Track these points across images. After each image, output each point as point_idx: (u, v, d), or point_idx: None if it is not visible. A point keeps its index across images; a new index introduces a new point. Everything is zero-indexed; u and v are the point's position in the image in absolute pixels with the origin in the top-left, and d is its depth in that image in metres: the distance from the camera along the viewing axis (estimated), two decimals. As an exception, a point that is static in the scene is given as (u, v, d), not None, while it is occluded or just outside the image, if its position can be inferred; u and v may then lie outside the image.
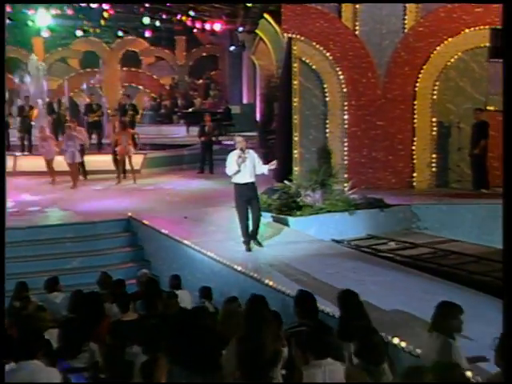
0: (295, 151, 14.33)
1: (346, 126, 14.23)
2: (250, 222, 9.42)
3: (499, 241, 11.87)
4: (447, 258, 10.26)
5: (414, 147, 14.31)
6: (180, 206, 12.97)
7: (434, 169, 14.37)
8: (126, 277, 9.60)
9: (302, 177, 13.74)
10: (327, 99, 14.23)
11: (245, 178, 9.18)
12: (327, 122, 14.28)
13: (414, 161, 14.34)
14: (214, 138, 18.39)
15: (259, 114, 24.15)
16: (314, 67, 14.20)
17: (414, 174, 14.37)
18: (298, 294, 5.52)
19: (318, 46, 14.12)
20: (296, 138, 14.30)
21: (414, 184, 14.33)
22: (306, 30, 14.08)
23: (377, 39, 14.25)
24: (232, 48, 23.18)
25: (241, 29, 21.43)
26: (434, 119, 14.30)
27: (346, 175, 13.82)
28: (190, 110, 23.81)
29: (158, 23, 24.24)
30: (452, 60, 14.24)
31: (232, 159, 9.13)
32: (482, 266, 9.63)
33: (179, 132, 23.15)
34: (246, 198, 9.27)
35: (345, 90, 14.17)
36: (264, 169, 9.52)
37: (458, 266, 9.56)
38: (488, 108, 14.14)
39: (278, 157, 14.89)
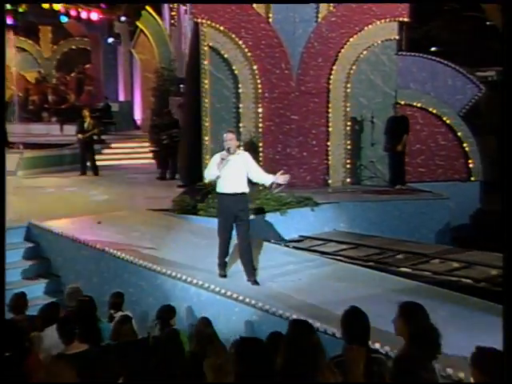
0: (205, 148, 13.01)
1: (260, 120, 13.12)
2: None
3: (428, 237, 11.96)
4: (398, 258, 9.50)
5: (328, 143, 13.52)
6: (81, 211, 11.12)
7: (348, 165, 13.69)
8: (31, 296, 7.80)
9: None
10: (240, 91, 13.05)
11: (230, 186, 7.08)
12: (240, 115, 13.09)
13: (329, 157, 13.56)
14: (95, 137, 16.49)
15: (141, 112, 22.42)
16: (225, 56, 12.96)
17: (329, 172, 13.58)
18: (349, 313, 4.25)
19: (229, 33, 12.91)
20: (206, 134, 12.99)
21: (330, 182, 13.55)
22: (216, 16, 12.81)
23: (290, 28, 13.29)
24: (110, 40, 21.23)
25: (123, 18, 19.59)
26: (347, 114, 13.60)
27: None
28: (64, 106, 21.49)
29: (21, 9, 21.57)
30: (364, 52, 13.65)
31: (213, 160, 7.22)
32: (444, 266, 8.96)
33: (51, 130, 20.78)
34: (231, 214, 7.09)
35: (258, 81, 13.08)
36: (268, 179, 7.33)
37: (421, 268, 8.82)
38: (403, 102, 13.74)
39: (183, 154, 13.59)
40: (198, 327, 5.79)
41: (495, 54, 18.78)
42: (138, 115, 23.08)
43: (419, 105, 14.11)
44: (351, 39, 13.51)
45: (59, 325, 5.77)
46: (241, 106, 13.07)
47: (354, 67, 13.56)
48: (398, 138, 13.19)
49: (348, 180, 13.67)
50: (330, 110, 13.47)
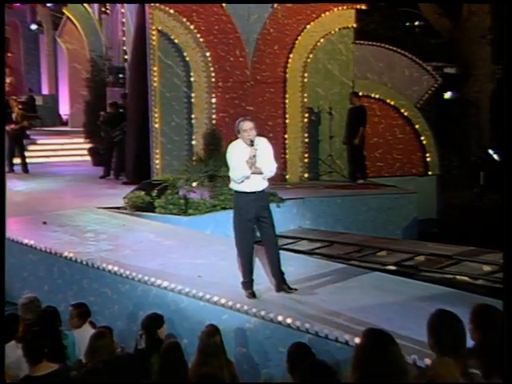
0: (155, 141, 12.14)
1: (213, 111, 12.35)
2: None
3: (395, 233, 11.58)
4: (381, 256, 9.01)
5: (286, 136, 12.92)
6: (19, 211, 10.01)
7: (306, 160, 13.14)
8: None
9: (166, 170, 11.77)
10: (192, 79, 12.23)
11: (254, 183, 5.91)
12: (192, 106, 12.27)
13: (286, 151, 12.96)
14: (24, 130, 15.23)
15: (69, 107, 21.13)
16: (175, 41, 12.12)
17: (287, 166, 12.98)
18: (439, 318, 3.45)
19: (180, 17, 12.07)
20: (156, 125, 12.11)
21: (287, 177, 12.95)
22: (166, -3, 11.98)
23: (244, 13, 12.58)
24: (33, 27, 19.85)
25: (49, 4, 18.31)
26: (304, 105, 13.05)
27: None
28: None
29: None
30: (321, 40, 13.14)
31: (238, 158, 5.85)
32: (432, 262, 8.51)
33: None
34: (254, 215, 5.97)
35: (211, 69, 12.30)
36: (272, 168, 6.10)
37: (409, 265, 8.33)
38: (361, 93, 13.30)
39: (130, 148, 12.68)
40: (202, 336, 5.01)
41: (431, 50, 18.86)
42: (64, 110, 21.76)
43: (377, 96, 13.75)
44: (308, 26, 12.97)
45: (27, 342, 4.84)
46: (193, 95, 12.25)
47: (310, 56, 13.03)
48: (355, 131, 12.78)
49: (306, 175, 13.12)
50: (286, 101, 12.88)
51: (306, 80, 12.95)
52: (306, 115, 13.01)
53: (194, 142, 12.24)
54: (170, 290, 6.57)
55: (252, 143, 5.90)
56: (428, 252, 8.85)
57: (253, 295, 6.15)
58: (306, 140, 13.04)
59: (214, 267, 7.32)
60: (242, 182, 5.93)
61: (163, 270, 7.06)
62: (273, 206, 10.35)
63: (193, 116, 12.25)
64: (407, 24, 22.87)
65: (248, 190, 5.95)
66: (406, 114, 13.97)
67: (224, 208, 9.75)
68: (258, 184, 6.02)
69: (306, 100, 12.96)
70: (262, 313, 5.87)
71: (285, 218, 10.76)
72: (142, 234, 8.58)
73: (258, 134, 6.17)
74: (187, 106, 12.26)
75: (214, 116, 12.37)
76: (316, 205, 11.20)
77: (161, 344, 5.29)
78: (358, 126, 12.62)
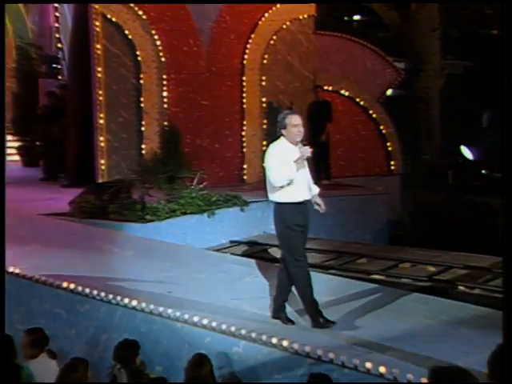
0: (100, 138, 11.37)
1: (165, 106, 11.69)
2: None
3: (365, 237, 11.24)
4: (362, 263, 8.62)
5: (243, 133, 12.40)
6: None
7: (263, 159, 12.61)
8: None
9: (115, 170, 11.06)
10: (141, 71, 11.53)
11: (302, 191, 5.24)
12: (141, 100, 11.54)
13: (244, 149, 12.44)
14: None
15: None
16: (122, 28, 11.39)
17: (244, 166, 12.46)
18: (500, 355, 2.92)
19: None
20: (101, 121, 11.35)
21: (245, 178, 12.43)
22: (110, -21, 11.24)
23: (198, -2, 11.98)
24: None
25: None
26: (263, 99, 12.55)
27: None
28: None
29: None
30: (280, 30, 12.68)
31: (283, 158, 5.14)
32: (419, 270, 8.14)
33: None
34: (303, 229, 5.28)
35: (162, 59, 11.63)
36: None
37: (395, 273, 7.94)
38: (324, 87, 12.93)
39: (71, 147, 11.88)
40: (188, 368, 4.41)
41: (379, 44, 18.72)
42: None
43: (338, 90, 13.41)
44: (266, 14, 12.48)
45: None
46: (142, 88, 11.55)
47: (269, 46, 12.54)
48: (320, 127, 12.36)
49: (261, 175, 12.58)
50: (244, 95, 12.36)
51: (264, 73, 12.43)
52: (265, 111, 12.48)
53: (144, 140, 11.53)
54: (139, 310, 5.90)
55: (301, 142, 5.20)
56: (413, 258, 8.50)
57: (290, 321, 5.45)
58: (265, 137, 12.47)
59: (185, 281, 6.71)
60: (285, 187, 5.13)
61: (128, 287, 6.38)
62: (236, 210, 10.04)
63: (143, 111, 11.52)
64: (354, 18, 22.77)
65: (296, 200, 5.18)
66: (368, 109, 13.69)
67: (185, 213, 9.15)
68: (306, 192, 5.28)
69: (264, 94, 12.47)
70: (253, 335, 5.29)
71: (249, 223, 10.30)
72: (96, 243, 7.86)
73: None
74: (136, 99, 11.54)
75: (166, 111, 11.70)
76: (282, 208, 10.66)
77: (141, 375, 4.67)
78: (323, 121, 12.22)
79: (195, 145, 11.96)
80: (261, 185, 11.77)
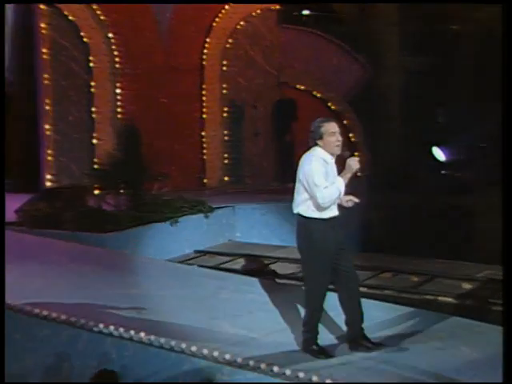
0: (47, 139, 10.83)
1: (119, 104, 11.20)
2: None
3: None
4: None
5: (203, 133, 12.02)
6: None
7: (226, 160, 12.28)
8: None
9: (65, 174, 10.54)
10: (92, 65, 11.04)
11: (334, 207, 4.88)
12: (93, 97, 11.04)
13: (204, 150, 12.06)
14: None
15: None
16: (70, 18, 10.86)
17: (205, 168, 12.09)
18: None
19: (76, -10, 10.87)
20: (49, 120, 10.81)
21: (205, 181, 12.06)
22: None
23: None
24: None
25: None
26: (224, 97, 12.21)
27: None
28: None
29: None
30: (242, 23, 12.34)
31: (326, 171, 4.73)
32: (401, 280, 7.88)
33: None
34: (334, 247, 4.86)
35: (115, 53, 11.15)
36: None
37: (377, 285, 7.65)
38: (288, 84, 12.64)
39: (13, 149, 11.25)
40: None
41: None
42: None
43: (303, 87, 13.13)
44: (227, 6, 12.13)
45: None
46: (93, 84, 11.09)
47: (230, 40, 12.20)
48: (285, 126, 12.12)
49: (226, 178, 12.28)
50: (204, 92, 12.00)
51: (225, 68, 12.15)
52: (227, 109, 12.21)
53: (94, 141, 11.02)
54: (107, 334, 5.41)
55: (348, 152, 4.77)
56: (394, 268, 8.22)
57: (322, 352, 4.84)
58: (227, 138, 12.25)
59: (154, 299, 6.24)
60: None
61: (92, 307, 5.88)
62: (200, 217, 9.63)
63: (93, 109, 11.17)
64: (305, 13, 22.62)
65: (326, 216, 4.76)
66: (333, 107, 13.46)
67: (148, 222, 8.69)
68: (336, 206, 4.88)
69: (226, 91, 12.18)
70: (239, 360, 4.86)
71: (213, 230, 9.96)
72: (52, 257, 7.33)
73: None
74: (88, 96, 11.03)
75: (119, 109, 11.25)
76: (248, 214, 10.34)
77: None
78: (288, 121, 11.95)
79: (153, 146, 11.43)
80: (223, 189, 11.72)
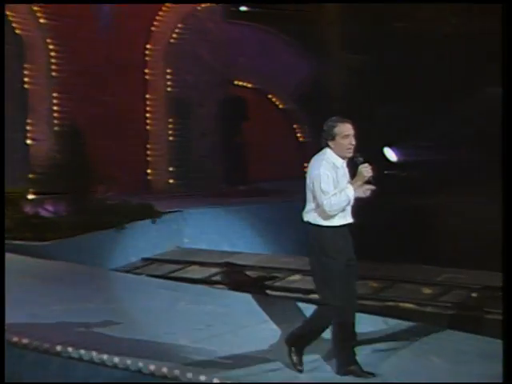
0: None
1: (56, 102, 10.87)
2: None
3: (287, 249, 10.81)
4: (295, 280, 8.12)
5: (148, 133, 11.77)
6: None
7: (172, 162, 12.05)
8: None
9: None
10: (26, 60, 10.62)
11: (346, 212, 4.61)
12: (27, 95, 10.71)
13: (149, 151, 11.75)
14: None
15: None
16: (7, 13, 10.39)
17: (149, 170, 11.77)
18: None
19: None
20: (-21, 119, 10.26)
21: (150, 184, 11.80)
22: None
23: (95, -24, 11.16)
24: None
25: None
26: (170, 95, 11.95)
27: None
28: None
29: None
30: (187, 17, 12.09)
31: (335, 176, 4.49)
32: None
33: None
34: (348, 256, 4.61)
35: (51, 47, 10.73)
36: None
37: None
38: (236, 82, 12.45)
39: None
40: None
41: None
42: None
43: (250, 85, 12.97)
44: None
45: None
46: (28, 81, 10.61)
47: (174, 35, 11.95)
48: (234, 127, 11.93)
49: (172, 181, 12.01)
50: (148, 90, 11.72)
51: (170, 65, 11.88)
52: (172, 108, 11.95)
53: (32, 142, 10.58)
54: (55, 354, 5.06)
55: (359, 157, 4.40)
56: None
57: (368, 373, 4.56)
58: (172, 138, 11.97)
59: (105, 313, 5.90)
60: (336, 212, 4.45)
61: (36, 325, 5.53)
62: (147, 223, 9.35)
63: (29, 107, 10.62)
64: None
65: (339, 223, 4.51)
66: (281, 106, 13.37)
67: (91, 229, 8.34)
68: (349, 213, 4.60)
69: (170, 89, 11.93)
70: (202, 378, 4.58)
71: (161, 237, 9.72)
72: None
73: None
74: (21, 95, 10.60)
75: (56, 108, 10.87)
76: (198, 219, 10.12)
77: None
78: (237, 120, 11.77)
79: (94, 147, 11.04)
80: (170, 192, 11.40)
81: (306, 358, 4.60)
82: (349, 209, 4.46)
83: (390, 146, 12.71)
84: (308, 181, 4.49)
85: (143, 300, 6.37)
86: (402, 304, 7.22)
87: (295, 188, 12.63)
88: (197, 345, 5.24)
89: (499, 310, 5.24)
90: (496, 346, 4.43)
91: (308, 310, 6.13)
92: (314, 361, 4.72)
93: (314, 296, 7.52)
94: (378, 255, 9.19)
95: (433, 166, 12.66)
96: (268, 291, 7.78)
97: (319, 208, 4.46)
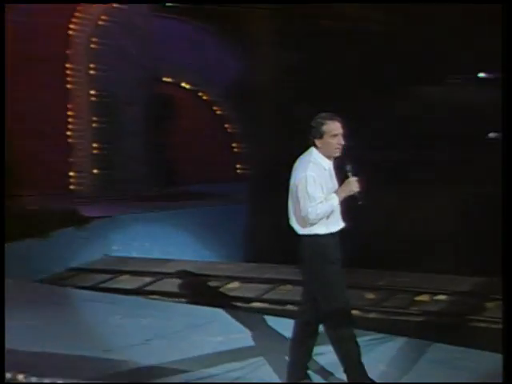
0: None
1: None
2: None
3: (222, 253, 10.52)
4: (232, 288, 7.86)
5: (69, 132, 11.23)
6: None
7: (97, 164, 11.55)
8: None
9: None
10: None
11: (337, 217, 4.39)
12: None
13: (71, 153, 11.26)
14: None
15: None
16: None
17: (72, 173, 11.25)
18: None
19: None
20: None
21: (73, 187, 11.29)
22: None
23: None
24: None
25: None
26: (93, 91, 11.44)
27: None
28: None
29: None
30: (110, 9, 11.63)
31: (321, 181, 4.22)
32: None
33: None
34: (339, 263, 4.41)
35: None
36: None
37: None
38: (165, 80, 12.06)
39: None
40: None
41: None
42: None
43: (180, 83, 12.63)
44: (93, -10, 11.38)
45: None
46: None
47: (98, 28, 11.44)
48: (162, 126, 11.59)
49: (95, 183, 11.52)
50: (69, 87, 11.19)
51: (92, 59, 11.42)
52: (96, 106, 11.50)
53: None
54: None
55: (348, 165, 4.16)
56: (292, 279, 7.82)
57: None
58: (97, 138, 11.51)
59: (32, 330, 5.41)
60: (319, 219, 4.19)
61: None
62: (72, 230, 8.91)
63: None
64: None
65: (331, 230, 4.26)
66: (213, 106, 13.08)
67: (11, 237, 7.79)
68: (340, 219, 4.26)
69: (94, 85, 11.47)
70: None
71: (88, 245, 9.24)
72: None
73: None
74: None
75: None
76: (128, 224, 9.73)
77: None
78: (165, 120, 11.43)
79: (10, 147, 10.44)
80: (95, 196, 10.88)
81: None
82: (338, 213, 4.18)
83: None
84: (292, 182, 4.15)
85: (73, 314, 5.96)
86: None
87: (229, 190, 12.42)
88: (142, 360, 4.89)
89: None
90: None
91: (251, 319, 5.87)
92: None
93: (256, 304, 7.31)
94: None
95: (367, 166, 12.58)
96: (207, 300, 7.45)
97: (300, 213, 4.14)
